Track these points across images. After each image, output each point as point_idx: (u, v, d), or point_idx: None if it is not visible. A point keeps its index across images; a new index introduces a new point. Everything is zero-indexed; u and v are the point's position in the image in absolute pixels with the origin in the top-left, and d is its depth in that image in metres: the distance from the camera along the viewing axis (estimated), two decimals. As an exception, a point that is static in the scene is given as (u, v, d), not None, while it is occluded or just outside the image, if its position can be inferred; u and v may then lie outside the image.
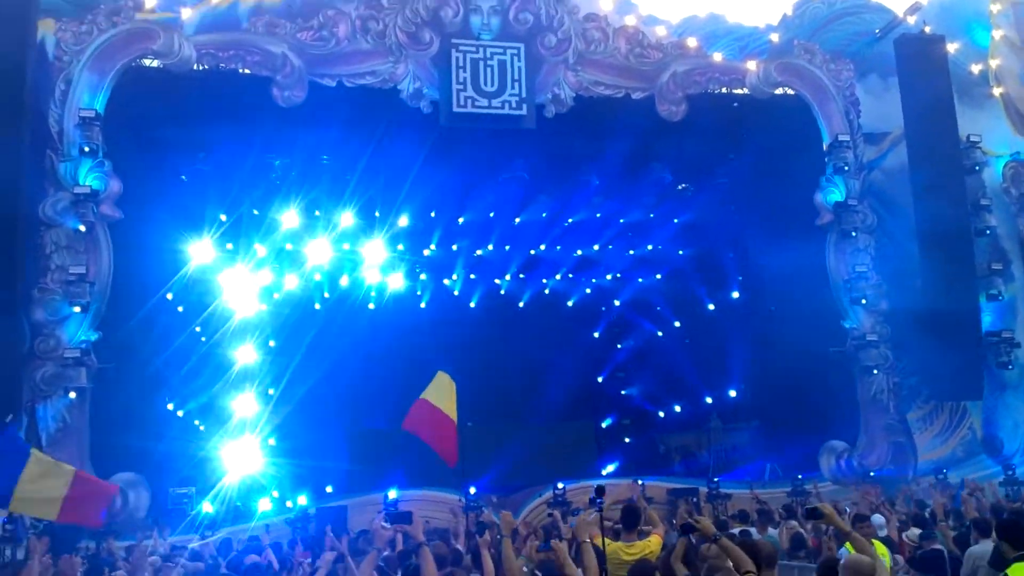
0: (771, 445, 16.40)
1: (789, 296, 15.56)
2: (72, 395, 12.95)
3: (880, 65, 15.85)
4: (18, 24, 12.76)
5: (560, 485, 14.66)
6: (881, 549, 5.92)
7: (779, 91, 15.43)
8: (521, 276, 18.55)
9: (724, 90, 15.39)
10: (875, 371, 15.52)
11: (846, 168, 15.53)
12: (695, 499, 13.97)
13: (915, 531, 8.08)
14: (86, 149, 13.43)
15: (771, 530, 9.60)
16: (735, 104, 15.36)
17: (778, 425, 16.24)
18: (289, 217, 16.36)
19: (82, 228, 13.26)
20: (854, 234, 15.59)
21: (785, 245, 15.72)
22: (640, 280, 18.72)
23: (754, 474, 16.24)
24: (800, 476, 14.71)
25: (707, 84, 15.32)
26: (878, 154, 16.09)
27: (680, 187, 16.61)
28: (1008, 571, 4.35)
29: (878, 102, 15.76)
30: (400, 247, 17.58)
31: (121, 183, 13.67)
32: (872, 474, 15.11)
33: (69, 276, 13.10)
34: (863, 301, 15.53)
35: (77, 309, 13.01)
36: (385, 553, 5.94)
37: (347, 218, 16.47)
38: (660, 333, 19.06)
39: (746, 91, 15.33)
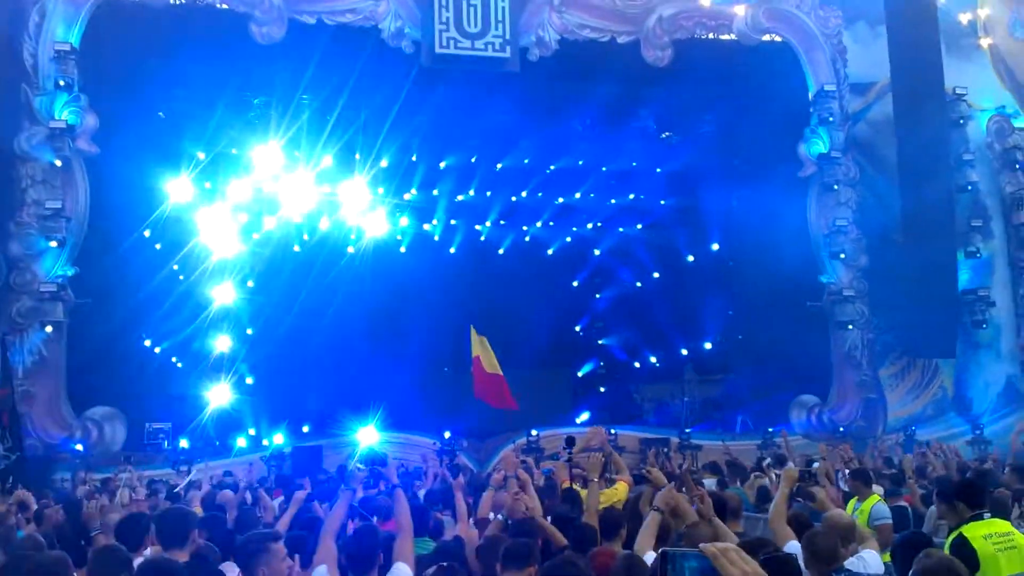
0: (744, 398, 17.01)
1: (768, 249, 15.94)
2: (48, 329, 13.49)
3: (869, 12, 15.94)
4: None
5: (534, 432, 15.33)
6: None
7: (766, 38, 15.62)
8: (502, 223, 18.87)
9: (711, 36, 15.57)
10: (850, 326, 16.04)
11: (831, 119, 15.84)
12: (667, 449, 14.57)
13: (880, 488, 8.17)
14: (61, 83, 13.74)
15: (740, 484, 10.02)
16: (721, 50, 15.51)
17: (751, 378, 16.78)
18: (268, 157, 16.65)
19: (58, 163, 13.66)
20: (836, 187, 15.96)
21: (767, 197, 16.09)
22: (621, 229, 19.09)
23: (726, 426, 16.89)
24: (771, 429, 15.32)
25: (694, 29, 15.49)
26: (863, 105, 16.32)
27: (664, 135, 16.88)
28: (962, 530, 4.47)
29: (866, 51, 15.92)
30: (381, 190, 17.87)
31: (97, 118, 14.03)
32: (841, 429, 15.70)
33: (45, 211, 13.55)
34: (842, 256, 15.98)
35: (53, 244, 13.50)
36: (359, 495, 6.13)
37: (327, 159, 16.76)
38: (639, 284, 19.48)
39: (733, 37, 15.52)
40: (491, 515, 5.62)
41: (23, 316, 13.37)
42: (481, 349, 13.26)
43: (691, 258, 18.76)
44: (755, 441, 15.33)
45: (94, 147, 14.03)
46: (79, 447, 13.11)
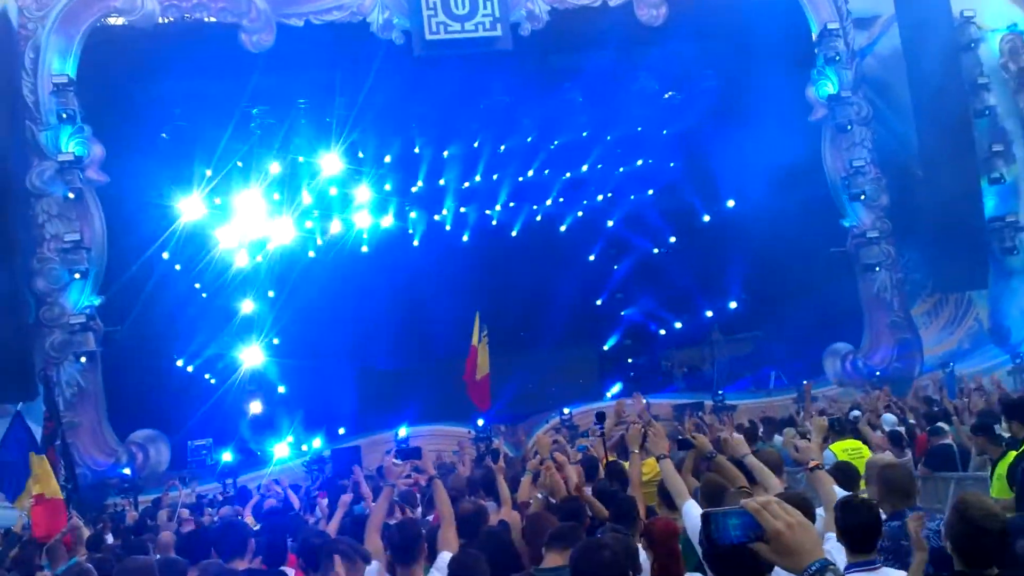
0: (775, 353, 17.21)
1: (786, 199, 15.97)
2: (83, 360, 14.06)
3: (867, -58, 15.86)
4: None
5: (566, 410, 15.67)
6: (854, 444, 6.46)
7: (766, -17, 15.58)
8: (511, 205, 19.14)
9: (706, -14, 15.55)
10: (877, 268, 16.10)
11: (837, 58, 15.80)
12: (701, 413, 14.78)
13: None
14: (64, 115, 14.22)
15: (777, 437, 10.23)
16: (718, 1, 15.49)
17: (781, 332, 16.91)
18: (273, 166, 17.11)
19: (71, 195, 14.16)
20: (849, 127, 15.97)
21: (779, 146, 16.02)
22: (632, 197, 19.23)
23: (759, 383, 17.07)
24: (805, 382, 15.46)
25: (687, -19, 15.49)
26: (869, 40, 16.24)
27: (667, 95, 16.95)
28: None
29: (867, -17, 15.83)
30: (387, 186, 18.27)
31: (103, 147, 14.50)
32: (878, 374, 15.78)
33: (64, 244, 14.06)
34: (862, 197, 16.00)
35: (77, 276, 13.99)
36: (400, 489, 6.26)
37: (331, 161, 17.14)
38: (656, 250, 19.67)
39: (731, -15, 15.47)
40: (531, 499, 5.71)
41: (56, 350, 13.93)
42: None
43: (707, 218, 18.90)
44: (791, 395, 15.49)
45: (103, 176, 14.54)
46: (127, 471, 13.70)
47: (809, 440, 5.45)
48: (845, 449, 6.08)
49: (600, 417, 6.82)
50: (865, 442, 6.89)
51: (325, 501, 7.68)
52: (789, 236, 16.24)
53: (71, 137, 14.36)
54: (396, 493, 5.65)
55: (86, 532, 7.64)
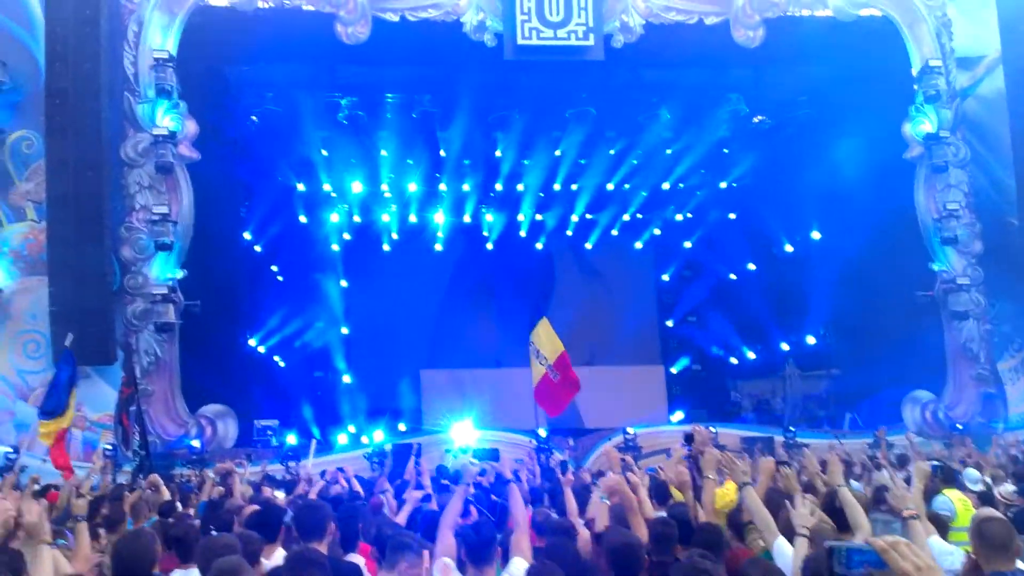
0: (851, 394, 16.55)
1: (873, 236, 15.51)
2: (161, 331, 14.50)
3: (976, -18, 15.30)
4: None
5: (630, 430, 15.43)
6: (964, 502, 6.12)
7: (865, 12, 15.12)
8: (588, 216, 19.03)
9: (805, 12, 15.19)
10: (966, 318, 15.44)
11: (937, 96, 15.23)
12: (770, 449, 14.37)
13: (1009, 487, 7.87)
14: (162, 90, 14.70)
15: (853, 483, 9.81)
16: (817, 27, 15.17)
17: (859, 373, 16.32)
18: (357, 157, 17.44)
19: (162, 168, 14.64)
20: (946, 168, 15.39)
21: (870, 180, 15.64)
22: (712, 219, 18.91)
23: (833, 424, 16.53)
24: (881, 427, 14.89)
25: (787, 6, 15.15)
26: (972, 81, 15.59)
27: (756, 119, 16.62)
28: None
29: (973, 24, 15.20)
30: (466, 186, 18.39)
31: (197, 124, 14.96)
32: (959, 426, 15.11)
33: (153, 215, 14.37)
34: (954, 242, 15.40)
35: (162, 248, 14.41)
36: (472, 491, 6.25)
37: (412, 156, 17.40)
38: (733, 276, 19.27)
39: (829, 13, 15.08)
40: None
41: (138, 318, 14.22)
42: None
43: (790, 247, 18.40)
44: (866, 439, 14.96)
45: (195, 152, 14.94)
46: (196, 443, 14.00)
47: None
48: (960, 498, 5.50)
49: (689, 438, 6.61)
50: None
51: (391, 494, 7.76)
52: (875, 274, 15.73)
53: (167, 112, 14.78)
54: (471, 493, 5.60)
55: (165, 494, 7.85)
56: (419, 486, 7.31)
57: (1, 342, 14.26)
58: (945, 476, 6.23)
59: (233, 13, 14.68)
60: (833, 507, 4.44)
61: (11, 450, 13.24)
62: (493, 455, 6.20)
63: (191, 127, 14.89)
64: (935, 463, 6.79)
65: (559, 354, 13.38)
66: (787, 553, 3.81)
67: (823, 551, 1.78)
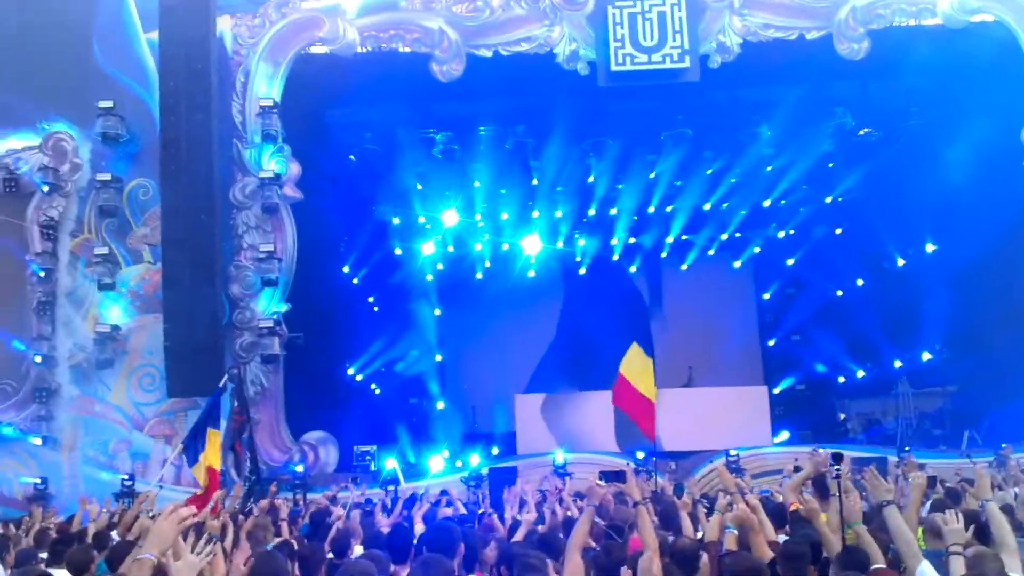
0: (970, 412, 15.84)
1: (992, 248, 14.80)
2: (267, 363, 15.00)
3: (1099, -20, 14.45)
4: (200, 23, 14.44)
5: (733, 451, 15.11)
6: None
7: (976, 19, 14.46)
8: (684, 237, 18.77)
9: (912, 22, 14.64)
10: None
11: (1058, 102, 14.47)
12: (883, 470, 13.90)
13: None
14: (267, 135, 15.25)
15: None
16: (925, 36, 14.62)
17: (978, 390, 15.66)
18: (451, 189, 17.67)
19: (268, 209, 15.17)
20: (1071, 177, 14.56)
21: (986, 192, 14.95)
22: (817, 235, 18.38)
23: (950, 443, 15.84)
24: (1004, 445, 14.21)
25: (892, 17, 14.63)
26: (1093, 82, 14.79)
27: (862, 132, 16.08)
28: None
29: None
30: (559, 213, 18.40)
31: (300, 166, 15.46)
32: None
33: (259, 254, 14.97)
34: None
35: (268, 284, 14.98)
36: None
37: (506, 186, 17.51)
38: (840, 292, 18.67)
39: (938, 21, 14.51)
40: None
41: (245, 350, 14.82)
42: (638, 366, 12.98)
43: (901, 261, 17.71)
44: (987, 459, 14.27)
45: (298, 193, 15.44)
46: (299, 468, 14.44)
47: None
48: None
49: (837, 457, 6.43)
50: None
51: (495, 516, 7.82)
52: (992, 287, 15.05)
53: (272, 156, 15.32)
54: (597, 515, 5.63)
55: (284, 512, 8.08)
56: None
57: (118, 376, 15.14)
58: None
59: (333, 59, 15.12)
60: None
61: (127, 477, 14.09)
62: (620, 476, 6.24)
63: (294, 169, 15.39)
64: None
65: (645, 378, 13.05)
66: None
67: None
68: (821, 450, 10.03)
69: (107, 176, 15.11)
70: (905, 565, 4.06)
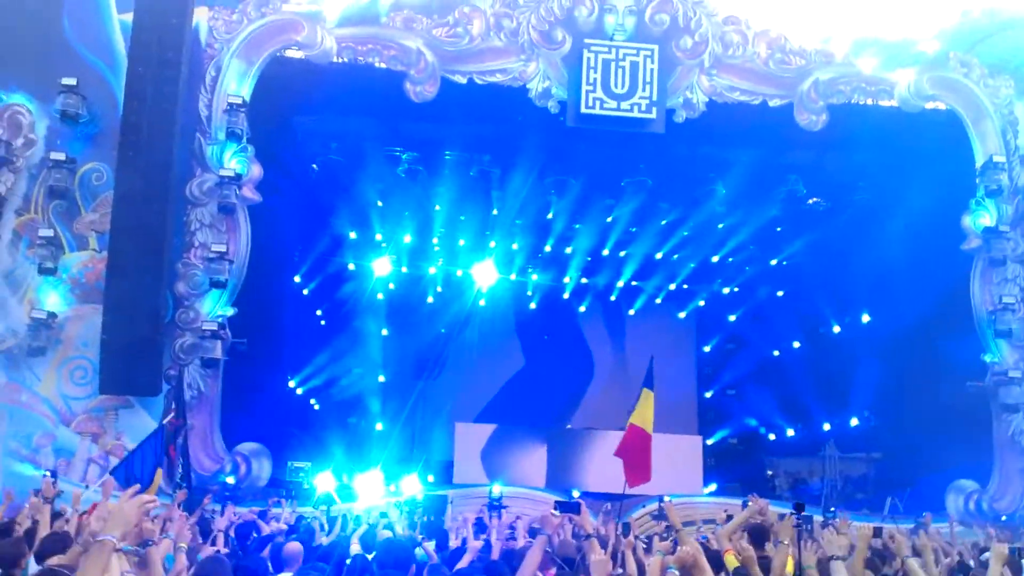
0: (893, 479, 16.35)
1: (925, 323, 15.46)
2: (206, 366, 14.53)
3: (1043, 84, 15.48)
4: (177, 11, 14.10)
5: (667, 498, 15.21)
6: None
7: (930, 105, 15.29)
8: (634, 283, 19.10)
9: (870, 101, 15.37)
10: (1017, 411, 15.25)
11: (999, 191, 15.31)
12: (810, 527, 14.16)
13: None
14: (232, 133, 14.96)
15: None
16: (881, 116, 15.34)
17: (902, 459, 16.17)
18: (411, 209, 17.66)
19: (225, 208, 14.83)
20: (1004, 262, 15.37)
21: (925, 269, 15.65)
22: (760, 295, 18.92)
23: (872, 508, 16.28)
24: (926, 513, 14.66)
25: (852, 94, 15.32)
26: (1036, 178, 15.74)
27: (812, 200, 16.72)
28: None
29: (1039, 123, 15.43)
30: (515, 245, 18.54)
31: (262, 168, 15.22)
32: (1004, 519, 14.87)
33: (211, 254, 14.46)
34: (1008, 335, 15.30)
35: (216, 285, 14.54)
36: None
37: (466, 213, 17.58)
38: (777, 352, 19.19)
39: (894, 103, 15.26)
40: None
41: (186, 352, 14.26)
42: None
43: (837, 328, 18.33)
44: (907, 525, 14.70)
45: (257, 195, 15.13)
46: (230, 480, 13.95)
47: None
48: None
49: (799, 507, 6.52)
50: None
51: (431, 545, 7.73)
52: (923, 361, 15.61)
53: (235, 155, 15.00)
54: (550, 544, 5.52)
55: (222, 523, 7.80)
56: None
57: (49, 366, 14.33)
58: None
59: (308, 65, 14.97)
60: None
61: (49, 474, 13.35)
62: (575, 508, 6.17)
63: (256, 170, 15.09)
64: (1013, 546, 6.76)
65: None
66: None
67: None
68: (760, 499, 10.14)
69: (61, 156, 14.44)
70: None
